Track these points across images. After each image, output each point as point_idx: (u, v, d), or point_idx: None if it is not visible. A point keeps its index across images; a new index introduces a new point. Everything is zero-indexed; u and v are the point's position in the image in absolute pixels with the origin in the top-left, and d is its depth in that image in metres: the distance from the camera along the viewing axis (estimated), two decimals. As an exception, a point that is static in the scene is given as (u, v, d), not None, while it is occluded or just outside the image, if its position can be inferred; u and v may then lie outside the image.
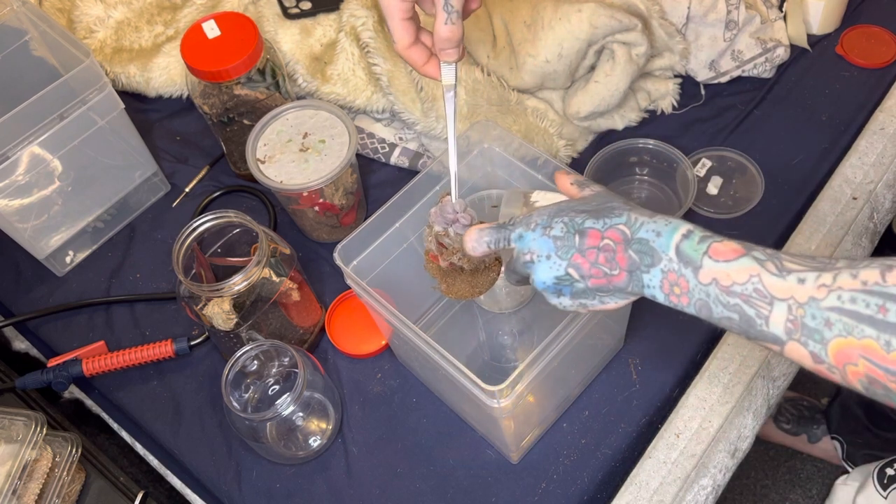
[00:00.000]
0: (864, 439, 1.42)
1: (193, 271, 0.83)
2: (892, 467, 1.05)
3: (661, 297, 0.55)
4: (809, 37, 1.08)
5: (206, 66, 0.88)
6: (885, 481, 1.05)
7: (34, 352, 0.98)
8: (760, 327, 0.50)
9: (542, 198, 0.74)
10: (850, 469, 1.33)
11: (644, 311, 0.83)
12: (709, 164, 0.98)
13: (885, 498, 1.04)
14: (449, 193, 0.68)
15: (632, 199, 0.96)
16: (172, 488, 0.88)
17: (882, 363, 0.45)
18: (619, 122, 1.02)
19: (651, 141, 0.94)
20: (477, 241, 0.62)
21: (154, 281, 0.97)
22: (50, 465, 0.78)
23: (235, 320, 0.79)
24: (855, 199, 0.96)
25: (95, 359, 0.88)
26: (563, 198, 0.66)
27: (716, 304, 0.52)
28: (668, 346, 0.86)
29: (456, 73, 0.65)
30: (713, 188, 0.97)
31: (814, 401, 1.58)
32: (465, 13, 0.64)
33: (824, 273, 0.48)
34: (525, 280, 0.63)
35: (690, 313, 0.54)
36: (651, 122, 1.03)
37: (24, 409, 0.83)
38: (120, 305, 0.96)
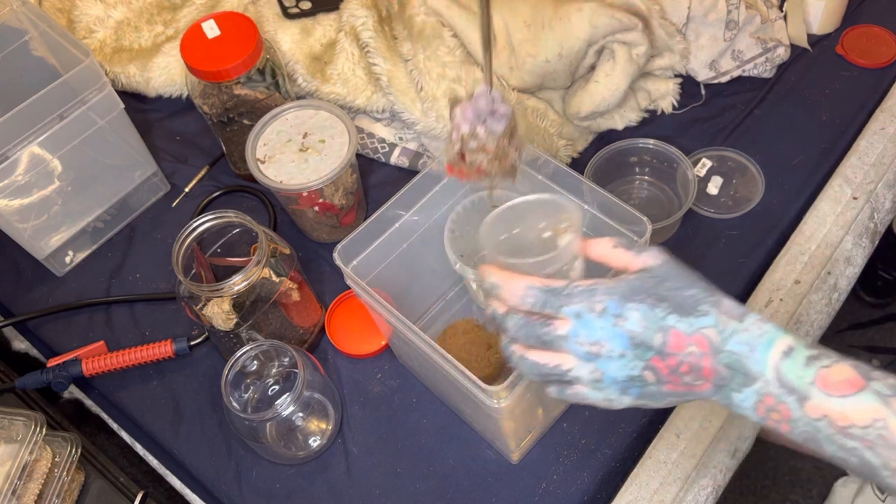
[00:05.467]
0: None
1: (193, 271, 0.83)
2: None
3: (754, 419, 0.48)
4: (810, 36, 1.08)
5: (205, 65, 0.88)
6: (885, 482, 1.04)
7: (34, 352, 0.98)
8: (888, 480, 0.44)
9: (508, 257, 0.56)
10: (850, 469, 1.33)
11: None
12: (709, 164, 0.98)
13: (883, 501, 1.04)
14: (480, 88, 0.61)
15: (632, 200, 0.97)
16: (172, 488, 0.88)
17: None
18: (619, 122, 1.02)
19: (651, 141, 0.94)
20: (521, 298, 0.52)
21: (154, 281, 0.97)
22: (49, 465, 0.78)
23: (235, 320, 0.79)
24: (855, 199, 0.95)
25: (95, 359, 0.88)
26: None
27: (828, 443, 0.45)
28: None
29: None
30: (713, 188, 0.97)
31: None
32: None
33: None
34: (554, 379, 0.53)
35: (793, 440, 0.47)
36: (651, 122, 1.03)
37: (24, 410, 0.82)
38: (120, 305, 0.96)
